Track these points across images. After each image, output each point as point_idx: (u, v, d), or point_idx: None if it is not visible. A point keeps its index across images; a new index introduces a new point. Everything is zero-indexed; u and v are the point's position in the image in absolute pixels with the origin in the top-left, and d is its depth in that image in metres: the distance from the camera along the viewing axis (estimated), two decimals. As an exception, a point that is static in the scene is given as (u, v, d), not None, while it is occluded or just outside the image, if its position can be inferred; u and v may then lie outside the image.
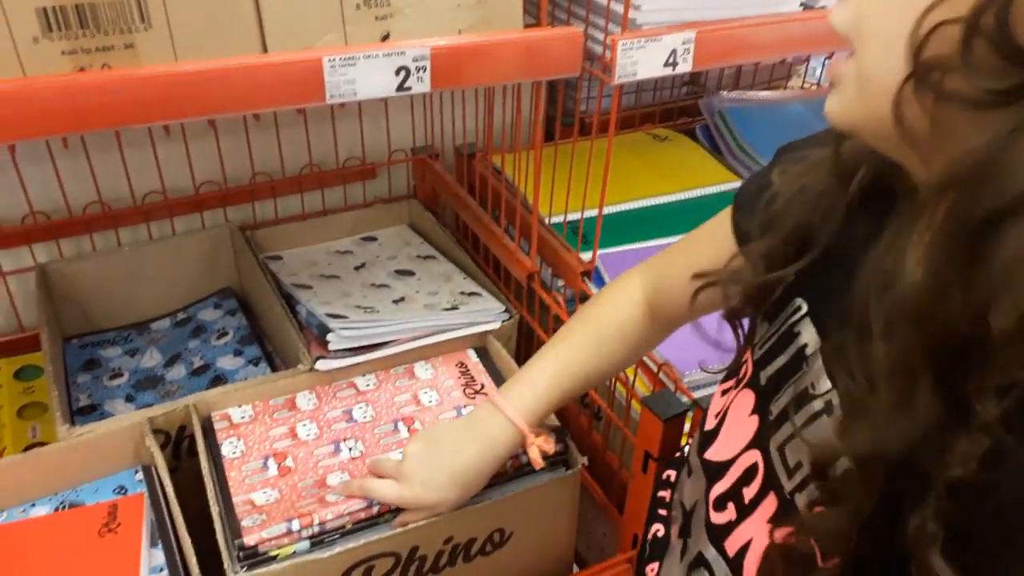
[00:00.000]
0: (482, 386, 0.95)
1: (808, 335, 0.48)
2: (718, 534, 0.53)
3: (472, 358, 0.99)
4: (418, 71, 0.76)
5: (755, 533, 0.49)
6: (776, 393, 0.50)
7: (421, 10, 0.75)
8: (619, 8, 0.82)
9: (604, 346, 0.72)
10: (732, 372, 0.58)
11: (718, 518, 0.53)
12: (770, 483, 0.49)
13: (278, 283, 1.07)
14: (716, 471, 0.54)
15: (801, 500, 0.45)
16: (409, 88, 0.76)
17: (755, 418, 0.52)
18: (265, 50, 0.71)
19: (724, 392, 0.57)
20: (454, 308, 1.02)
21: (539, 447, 0.73)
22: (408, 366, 0.97)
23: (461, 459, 0.72)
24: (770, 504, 0.48)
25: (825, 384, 0.45)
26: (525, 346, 1.08)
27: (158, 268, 1.11)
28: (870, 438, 0.37)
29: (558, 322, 1.00)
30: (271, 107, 0.73)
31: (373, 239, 1.25)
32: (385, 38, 0.75)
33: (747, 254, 0.54)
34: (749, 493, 0.50)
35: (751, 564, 0.49)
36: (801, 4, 0.92)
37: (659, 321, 0.71)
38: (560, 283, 1.06)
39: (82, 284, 1.07)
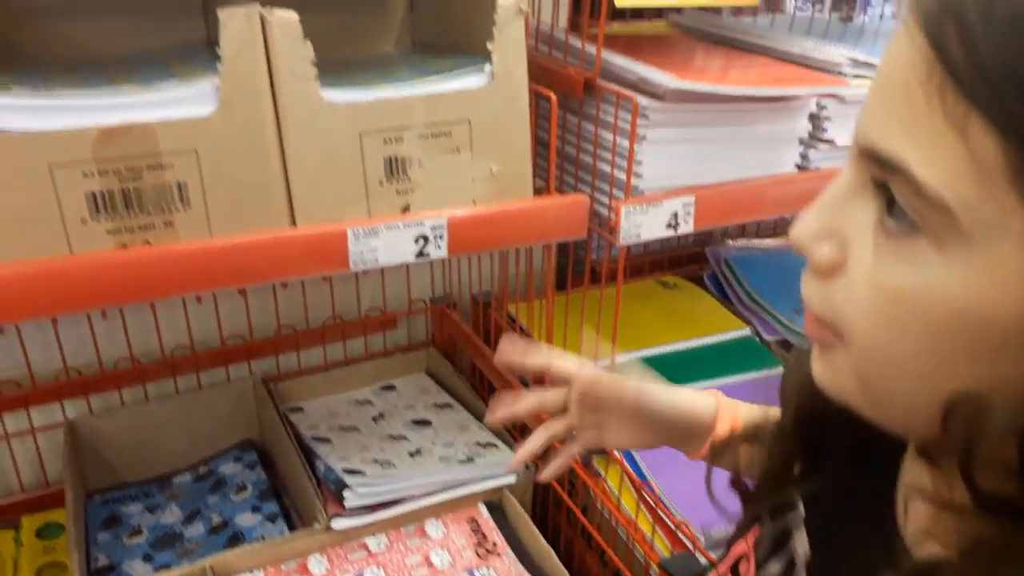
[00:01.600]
0: (494, 544, 0.94)
1: (800, 543, 0.46)
2: None
3: (484, 514, 0.99)
4: (436, 239, 0.81)
5: None
6: None
7: (439, 184, 0.81)
8: (622, 176, 0.88)
9: None
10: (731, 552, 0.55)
11: None
12: None
13: (298, 436, 1.09)
14: None
15: None
16: (428, 255, 0.81)
17: None
18: (294, 223, 0.76)
19: None
20: (470, 460, 1.03)
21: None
22: (419, 524, 0.97)
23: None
24: None
25: None
26: (541, 500, 1.08)
27: (183, 421, 1.14)
28: None
29: (574, 475, 1.00)
30: (299, 276, 0.78)
31: (392, 388, 1.28)
32: (405, 210, 0.80)
33: (767, 442, 0.52)
34: None
35: None
36: (796, 165, 0.98)
37: None
38: (575, 434, 1.07)
39: (109, 438, 1.09)
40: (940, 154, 0.30)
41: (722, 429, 0.62)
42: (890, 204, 0.33)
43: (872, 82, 0.34)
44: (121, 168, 0.66)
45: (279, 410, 1.12)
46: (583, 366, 0.68)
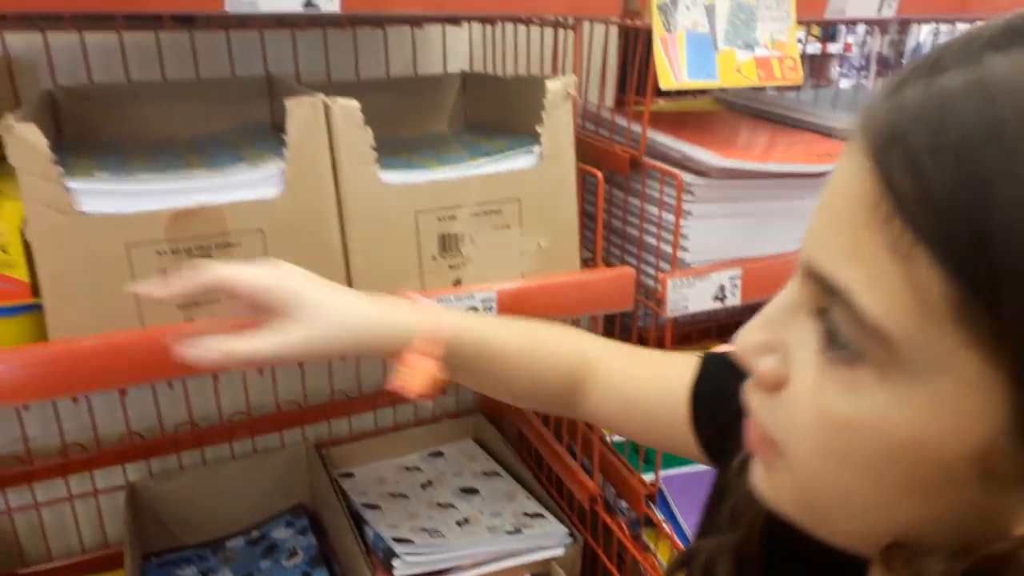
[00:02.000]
0: (544, 617, 0.94)
1: None
2: None
3: (534, 585, 0.99)
4: (486, 311, 0.83)
5: None
6: None
7: (489, 258, 0.83)
8: (668, 249, 0.90)
9: (538, 353, 0.66)
10: None
11: None
12: None
13: (348, 502, 1.10)
14: None
15: None
16: (477, 325, 0.83)
17: None
18: (350, 297, 0.79)
19: None
20: (517, 531, 1.03)
21: (425, 367, 0.62)
22: (469, 594, 0.97)
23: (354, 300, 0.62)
24: None
25: None
26: (589, 574, 1.07)
27: (238, 485, 1.17)
28: None
29: (622, 548, 1.00)
30: (353, 347, 0.81)
31: (440, 454, 1.29)
32: (457, 283, 0.83)
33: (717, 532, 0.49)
34: None
35: None
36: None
37: (583, 401, 0.66)
38: (624, 505, 1.07)
39: (167, 501, 1.12)
40: (884, 284, 0.29)
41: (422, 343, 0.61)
42: (832, 330, 0.32)
43: (820, 200, 0.33)
44: (192, 247, 0.70)
45: (330, 476, 1.14)
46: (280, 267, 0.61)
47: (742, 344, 0.36)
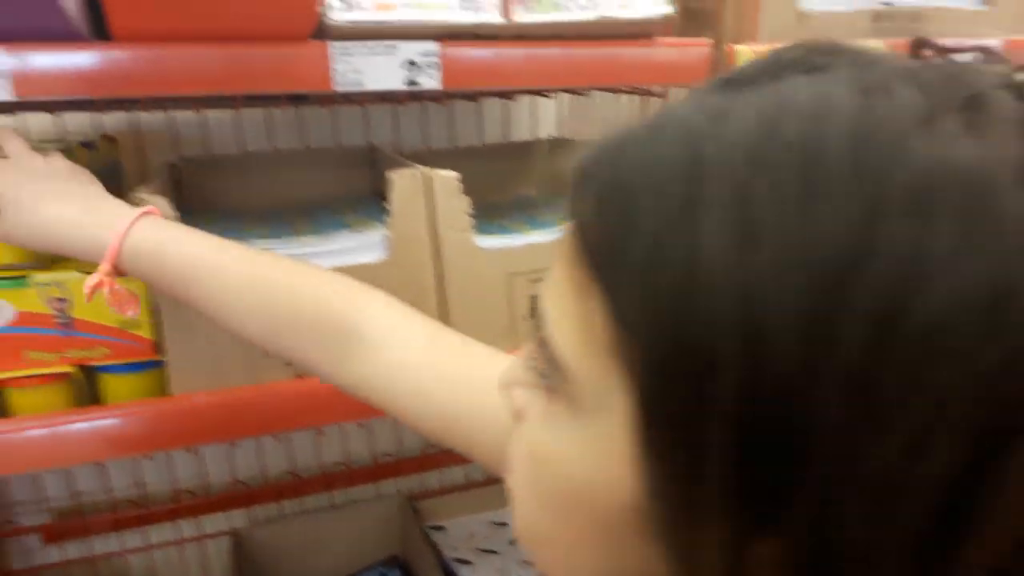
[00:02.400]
0: None
1: None
2: None
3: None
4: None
5: None
6: None
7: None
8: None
9: (276, 286, 0.57)
10: None
11: None
12: None
13: (440, 556, 1.12)
14: None
15: None
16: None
17: None
18: (446, 355, 0.82)
19: None
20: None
21: (110, 284, 0.58)
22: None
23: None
24: None
25: None
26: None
27: (334, 534, 1.20)
28: None
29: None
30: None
31: (530, 509, 1.29)
32: (547, 341, 0.85)
33: None
34: None
35: None
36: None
37: (347, 365, 0.56)
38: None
39: (268, 547, 1.17)
40: (568, 317, 0.29)
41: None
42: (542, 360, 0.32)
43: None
44: (300, 308, 0.74)
45: (422, 528, 1.16)
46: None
47: (504, 378, 0.36)
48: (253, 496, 1.18)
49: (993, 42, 0.87)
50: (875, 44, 0.82)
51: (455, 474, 1.32)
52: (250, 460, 1.18)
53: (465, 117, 1.14)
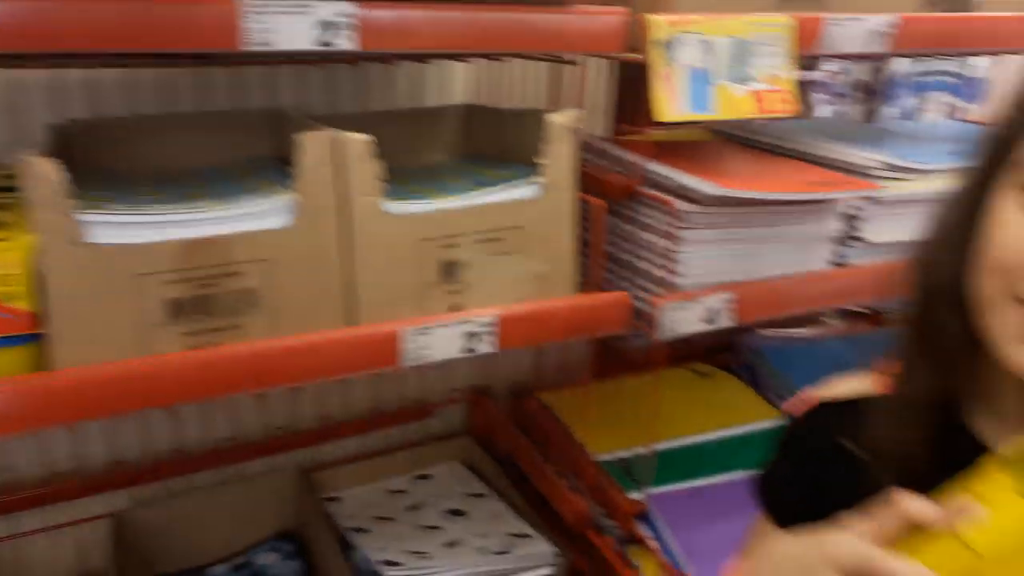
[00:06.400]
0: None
1: None
2: None
3: (521, 607, 1.00)
4: (485, 335, 0.84)
5: None
6: None
7: (488, 284, 0.85)
8: (662, 273, 0.92)
9: None
10: None
11: None
12: None
13: (335, 526, 1.10)
14: None
15: None
16: (476, 351, 0.84)
17: None
18: (356, 323, 0.80)
19: None
20: (504, 552, 1.04)
21: None
22: (456, 616, 0.97)
23: None
24: None
25: None
26: (581, 593, 1.08)
27: (225, 512, 1.15)
28: None
29: (609, 566, 1.01)
30: (355, 373, 0.81)
31: (428, 477, 1.29)
32: (456, 308, 0.84)
33: None
34: None
35: None
36: (829, 262, 1.01)
37: None
38: (611, 524, 1.08)
39: (152, 530, 1.11)
40: None
41: None
42: None
43: None
44: (198, 277, 0.70)
45: (317, 500, 1.13)
46: None
47: None
48: (136, 475, 1.11)
49: (890, 19, 0.91)
50: (782, 19, 0.85)
51: (351, 445, 1.29)
52: (131, 437, 1.11)
53: (375, 81, 1.10)
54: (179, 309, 0.71)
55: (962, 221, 0.51)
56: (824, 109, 1.41)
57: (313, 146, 0.68)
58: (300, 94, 1.05)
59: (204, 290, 0.71)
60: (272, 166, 0.85)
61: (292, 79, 1.04)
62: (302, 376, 0.79)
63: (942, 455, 0.48)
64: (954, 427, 0.51)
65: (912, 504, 0.42)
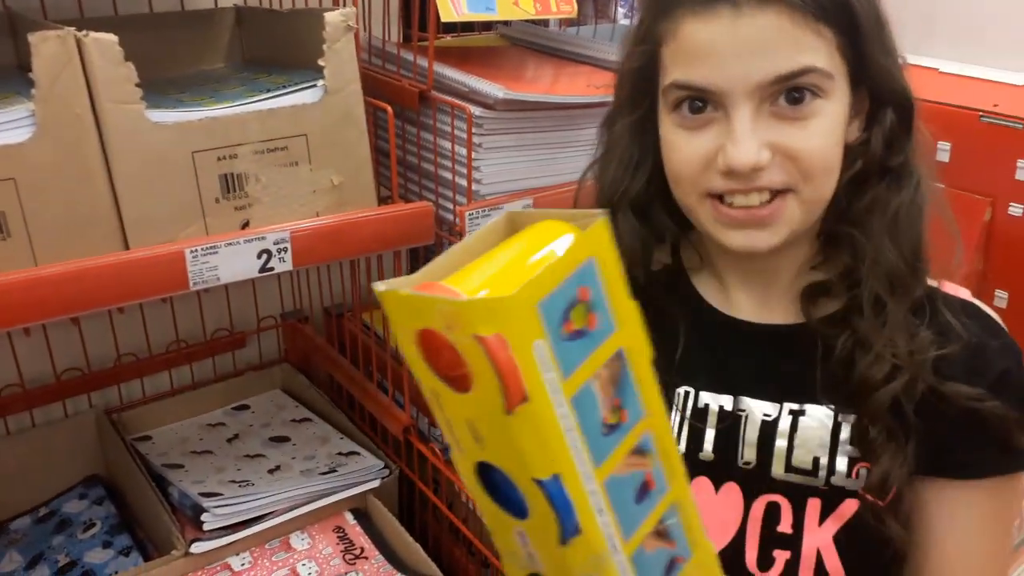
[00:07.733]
0: (362, 550, 0.95)
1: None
2: None
3: (349, 520, 1.00)
4: (279, 252, 0.81)
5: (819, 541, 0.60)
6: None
7: (278, 198, 0.81)
8: (463, 182, 0.92)
9: None
10: None
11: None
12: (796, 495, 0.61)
13: (147, 465, 1.05)
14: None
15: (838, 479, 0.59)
16: (272, 269, 0.81)
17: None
18: (127, 247, 0.74)
19: None
20: (332, 471, 1.03)
21: None
22: (284, 538, 0.96)
23: None
24: (814, 508, 0.60)
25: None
26: (407, 502, 1.10)
27: (17, 463, 1.07)
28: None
29: (438, 473, 1.03)
30: (135, 300, 0.76)
31: (246, 407, 1.25)
32: (245, 225, 0.80)
33: None
34: (784, 525, 0.61)
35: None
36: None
37: None
38: (437, 432, 1.10)
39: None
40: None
41: None
42: None
43: None
44: (-72, 200, 0.62)
45: (125, 441, 1.07)
46: None
47: None
48: (-99, 434, 1.00)
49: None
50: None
51: (160, 381, 1.23)
52: None
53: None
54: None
55: (631, 145, 0.65)
56: (626, 20, 1.44)
57: (48, 47, 0.61)
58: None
59: (-63, 216, 0.63)
60: (13, 75, 0.75)
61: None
62: (72, 306, 0.73)
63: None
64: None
65: None
